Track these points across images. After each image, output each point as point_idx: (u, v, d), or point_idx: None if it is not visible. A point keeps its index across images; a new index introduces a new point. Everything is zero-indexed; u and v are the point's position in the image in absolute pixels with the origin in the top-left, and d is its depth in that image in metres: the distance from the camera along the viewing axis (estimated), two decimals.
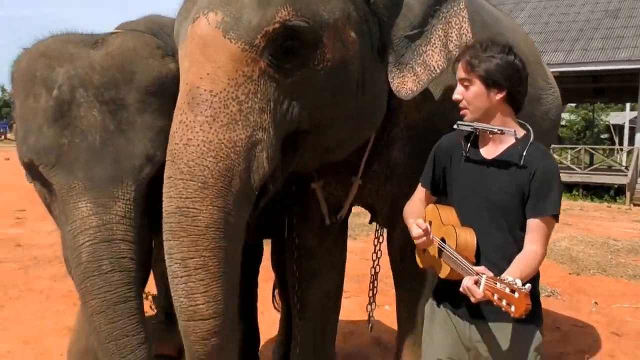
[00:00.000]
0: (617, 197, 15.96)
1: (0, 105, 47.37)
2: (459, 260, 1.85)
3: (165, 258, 1.89)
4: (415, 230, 1.98)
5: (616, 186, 16.19)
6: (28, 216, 9.49)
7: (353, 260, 6.87)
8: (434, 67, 2.33)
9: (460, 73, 2.00)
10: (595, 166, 18.71)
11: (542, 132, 3.02)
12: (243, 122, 1.91)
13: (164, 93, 2.19)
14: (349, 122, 2.28)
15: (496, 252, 1.94)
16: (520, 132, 2.00)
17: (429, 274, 2.79)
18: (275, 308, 4.23)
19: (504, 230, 1.95)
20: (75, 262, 2.05)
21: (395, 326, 3.09)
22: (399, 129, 2.61)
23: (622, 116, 32.52)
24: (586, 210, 13.74)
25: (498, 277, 1.68)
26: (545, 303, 4.08)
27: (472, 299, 1.74)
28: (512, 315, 1.61)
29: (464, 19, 2.34)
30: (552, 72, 4.19)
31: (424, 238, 1.97)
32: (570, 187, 16.43)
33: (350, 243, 8.04)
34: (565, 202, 13.62)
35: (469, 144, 2.07)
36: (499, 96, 1.96)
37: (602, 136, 35.81)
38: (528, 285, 1.62)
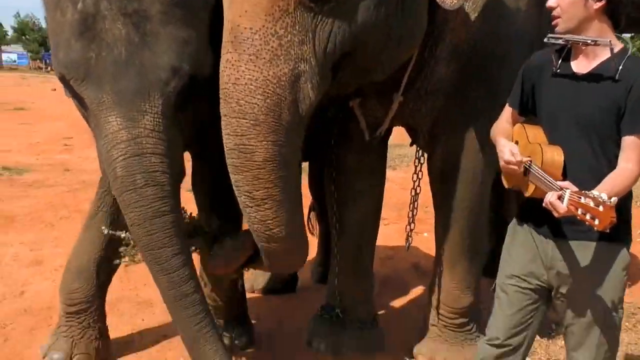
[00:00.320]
0: None
1: (45, 37, 48.10)
2: (544, 177, 1.79)
3: (234, 189, 2.08)
4: (507, 156, 1.92)
5: None
6: (75, 144, 9.81)
7: (393, 189, 6.96)
8: None
9: None
10: None
11: None
12: (285, 57, 1.94)
13: (187, 3, 2.15)
14: (389, 42, 2.22)
15: (586, 172, 1.85)
16: (617, 45, 1.85)
17: (468, 198, 2.77)
18: (309, 232, 4.29)
19: (595, 149, 1.86)
20: (112, 176, 2.10)
21: (433, 253, 3.09)
22: (445, 45, 2.52)
23: None
24: None
25: (583, 192, 1.62)
26: None
27: (556, 214, 1.69)
28: (595, 228, 1.56)
29: None
30: None
31: (514, 166, 1.90)
32: None
33: (390, 173, 8.07)
34: None
35: (560, 59, 1.94)
36: (598, 5, 1.80)
37: None
38: (614, 199, 1.56)
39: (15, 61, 51.49)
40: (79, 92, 2.11)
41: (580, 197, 1.60)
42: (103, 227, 2.62)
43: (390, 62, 2.36)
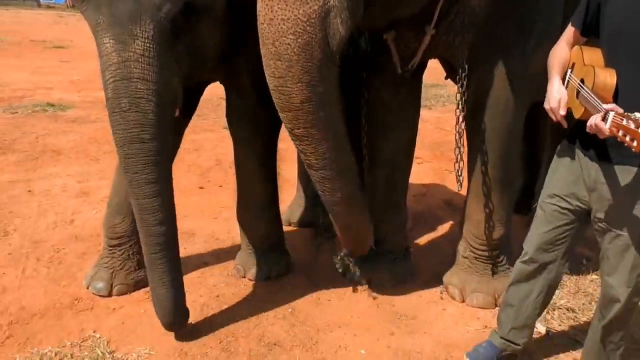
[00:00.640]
0: None
1: None
2: (593, 99, 1.80)
3: None
4: (553, 100, 1.97)
5: None
6: None
7: (428, 129, 6.96)
8: None
9: None
10: None
11: None
12: None
13: None
14: None
15: (638, 96, 1.83)
16: None
17: (498, 130, 2.77)
18: None
19: None
20: (105, 96, 2.20)
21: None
22: None
23: None
24: None
25: (626, 114, 1.63)
26: None
27: (601, 136, 1.73)
28: (633, 150, 1.58)
29: None
30: None
31: (556, 110, 1.95)
32: None
33: (425, 113, 8.01)
34: None
35: None
36: None
37: None
38: None
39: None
40: (82, 13, 2.20)
41: (622, 119, 1.61)
42: None
43: None
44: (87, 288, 3.04)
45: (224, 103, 3.12)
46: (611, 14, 1.94)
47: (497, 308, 2.81)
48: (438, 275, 3.24)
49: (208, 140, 6.21)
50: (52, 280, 3.14)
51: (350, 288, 3.15)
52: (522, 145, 4.08)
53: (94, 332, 2.67)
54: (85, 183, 4.81)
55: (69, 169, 5.18)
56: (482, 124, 2.75)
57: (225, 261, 3.45)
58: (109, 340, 2.60)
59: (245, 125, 2.96)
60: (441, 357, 2.57)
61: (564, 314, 2.92)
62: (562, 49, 2.12)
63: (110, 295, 2.99)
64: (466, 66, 2.66)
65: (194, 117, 3.22)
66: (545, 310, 2.80)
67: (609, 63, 1.92)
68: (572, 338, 2.71)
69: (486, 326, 2.81)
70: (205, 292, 3.08)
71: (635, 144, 1.56)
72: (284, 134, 2.51)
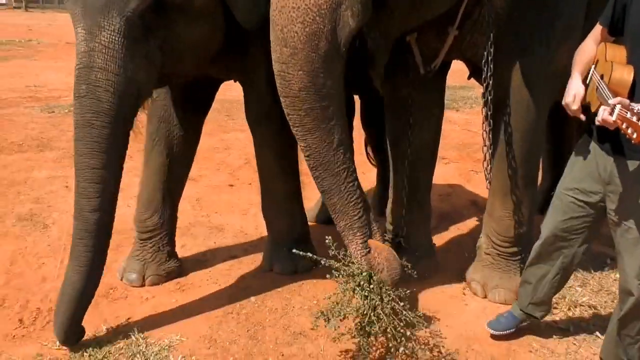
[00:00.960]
0: None
1: None
2: (605, 94, 1.85)
3: None
4: (568, 95, 2.04)
5: None
6: None
7: (455, 130, 6.98)
8: None
9: None
10: None
11: None
12: None
13: None
14: None
15: None
16: None
17: (522, 128, 2.79)
18: (372, 164, 4.43)
19: None
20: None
21: None
22: None
23: None
24: None
25: (631, 107, 1.69)
26: None
27: (610, 128, 1.79)
28: (633, 141, 1.64)
29: None
30: None
31: (570, 104, 2.02)
32: None
33: (453, 114, 8.01)
34: None
35: None
36: None
37: None
38: None
39: None
40: (65, 4, 2.32)
41: (627, 112, 1.67)
42: None
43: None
44: (121, 280, 3.16)
45: None
46: (634, 13, 1.99)
47: None
48: (462, 272, 3.28)
49: (238, 140, 6.33)
50: None
51: None
52: (548, 145, 4.10)
53: (128, 319, 2.80)
54: None
55: None
56: (505, 122, 2.78)
57: (253, 255, 3.55)
58: (142, 327, 2.71)
59: (264, 123, 3.04)
60: (462, 350, 2.62)
61: (586, 311, 2.94)
62: (588, 46, 2.16)
63: (142, 285, 3.12)
64: (491, 66, 2.70)
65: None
66: (567, 307, 2.85)
67: (630, 60, 1.97)
68: (593, 334, 2.73)
69: None
70: (234, 284, 3.19)
71: (635, 135, 1.63)
72: None
